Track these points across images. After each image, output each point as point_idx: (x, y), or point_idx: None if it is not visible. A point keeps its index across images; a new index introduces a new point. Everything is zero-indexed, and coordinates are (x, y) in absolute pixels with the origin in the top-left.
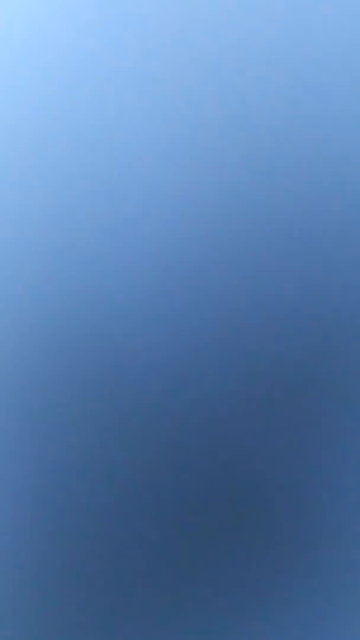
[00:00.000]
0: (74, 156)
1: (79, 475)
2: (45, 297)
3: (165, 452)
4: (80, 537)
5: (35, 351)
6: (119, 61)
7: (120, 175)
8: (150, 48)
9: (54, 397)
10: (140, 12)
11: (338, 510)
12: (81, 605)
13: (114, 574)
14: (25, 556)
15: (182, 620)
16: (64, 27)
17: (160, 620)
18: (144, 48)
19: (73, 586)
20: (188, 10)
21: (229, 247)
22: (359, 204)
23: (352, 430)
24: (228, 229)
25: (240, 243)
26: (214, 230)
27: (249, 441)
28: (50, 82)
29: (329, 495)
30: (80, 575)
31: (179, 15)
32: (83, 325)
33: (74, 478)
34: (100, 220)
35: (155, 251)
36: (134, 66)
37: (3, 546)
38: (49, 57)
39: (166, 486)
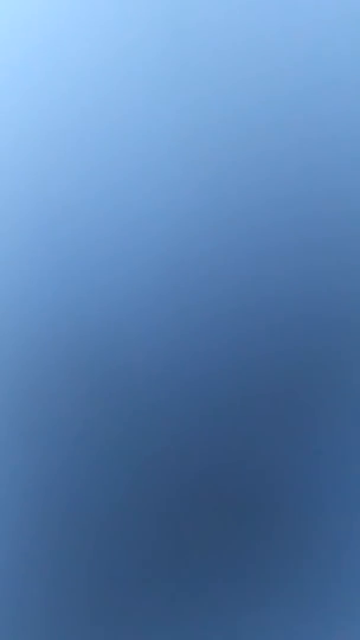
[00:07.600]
0: (73, 157)
1: (79, 475)
2: (44, 296)
3: (165, 451)
4: (80, 537)
5: (35, 351)
6: (119, 60)
7: (120, 176)
8: (151, 48)
9: (53, 396)
10: (141, 12)
11: (338, 509)
12: (81, 606)
13: (114, 577)
14: (25, 560)
15: (182, 622)
16: (63, 24)
17: (160, 623)
18: (144, 47)
19: (73, 585)
20: (189, 11)
21: (228, 246)
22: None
23: (352, 426)
24: (228, 228)
25: (239, 243)
26: (214, 230)
27: (249, 441)
28: (49, 76)
29: (329, 494)
30: (79, 575)
31: (180, 15)
32: (82, 326)
33: (73, 479)
34: (99, 216)
35: (155, 249)
36: (134, 65)
37: (3, 548)
38: (48, 55)
39: (166, 486)
